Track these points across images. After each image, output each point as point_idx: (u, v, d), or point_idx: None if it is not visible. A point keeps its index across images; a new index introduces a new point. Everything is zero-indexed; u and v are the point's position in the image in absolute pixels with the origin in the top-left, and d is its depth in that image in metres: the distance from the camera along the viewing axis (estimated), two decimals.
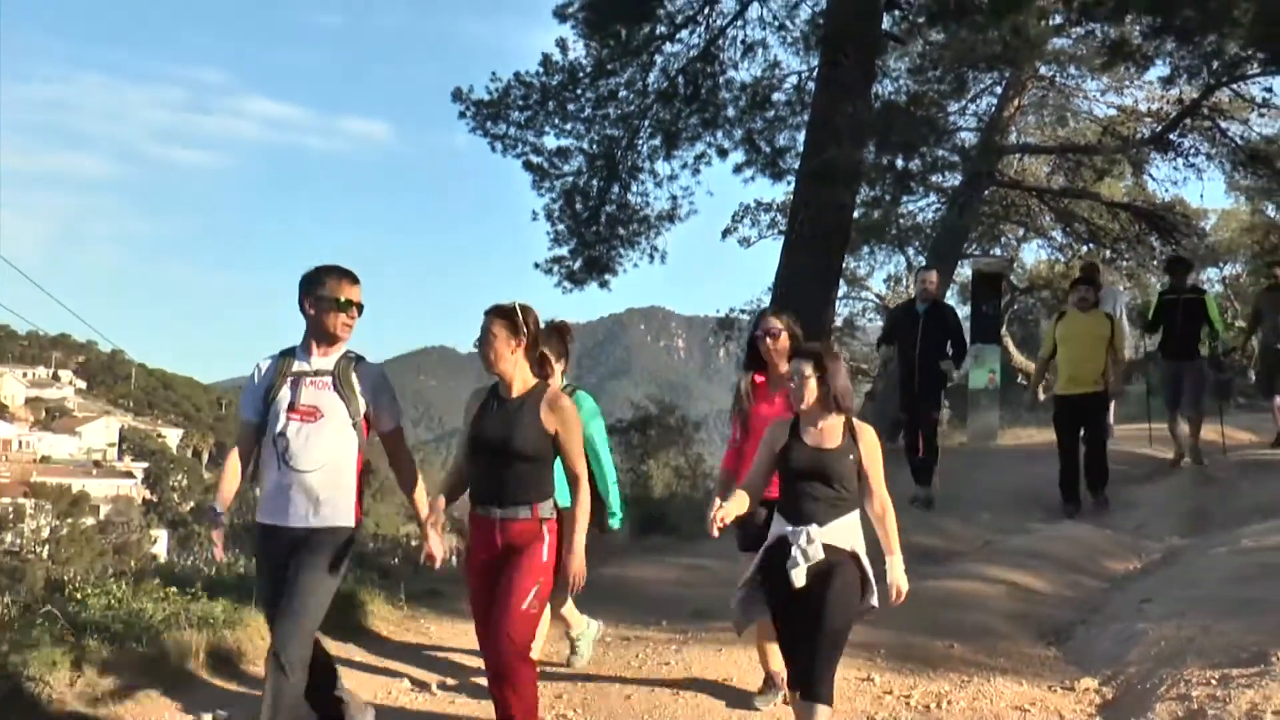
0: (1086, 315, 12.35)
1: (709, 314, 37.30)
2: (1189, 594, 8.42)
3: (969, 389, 20.13)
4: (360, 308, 5.67)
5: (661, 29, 19.32)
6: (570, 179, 20.09)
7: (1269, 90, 19.05)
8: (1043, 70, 21.29)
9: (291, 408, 5.51)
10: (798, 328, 6.54)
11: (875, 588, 5.39)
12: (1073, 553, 10.48)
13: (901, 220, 26.51)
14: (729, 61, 19.84)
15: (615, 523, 6.91)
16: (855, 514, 5.45)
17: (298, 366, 5.62)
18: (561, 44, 19.23)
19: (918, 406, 12.61)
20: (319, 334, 5.63)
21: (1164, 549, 10.70)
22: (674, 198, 20.41)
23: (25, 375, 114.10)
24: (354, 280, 5.67)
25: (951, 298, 27.17)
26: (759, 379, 6.57)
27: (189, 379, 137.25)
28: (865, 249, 29.29)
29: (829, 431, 5.49)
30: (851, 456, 5.45)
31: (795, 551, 5.30)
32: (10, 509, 60.52)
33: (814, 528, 5.31)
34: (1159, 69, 17.93)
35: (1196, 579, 8.85)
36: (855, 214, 19.09)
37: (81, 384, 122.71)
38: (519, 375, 5.50)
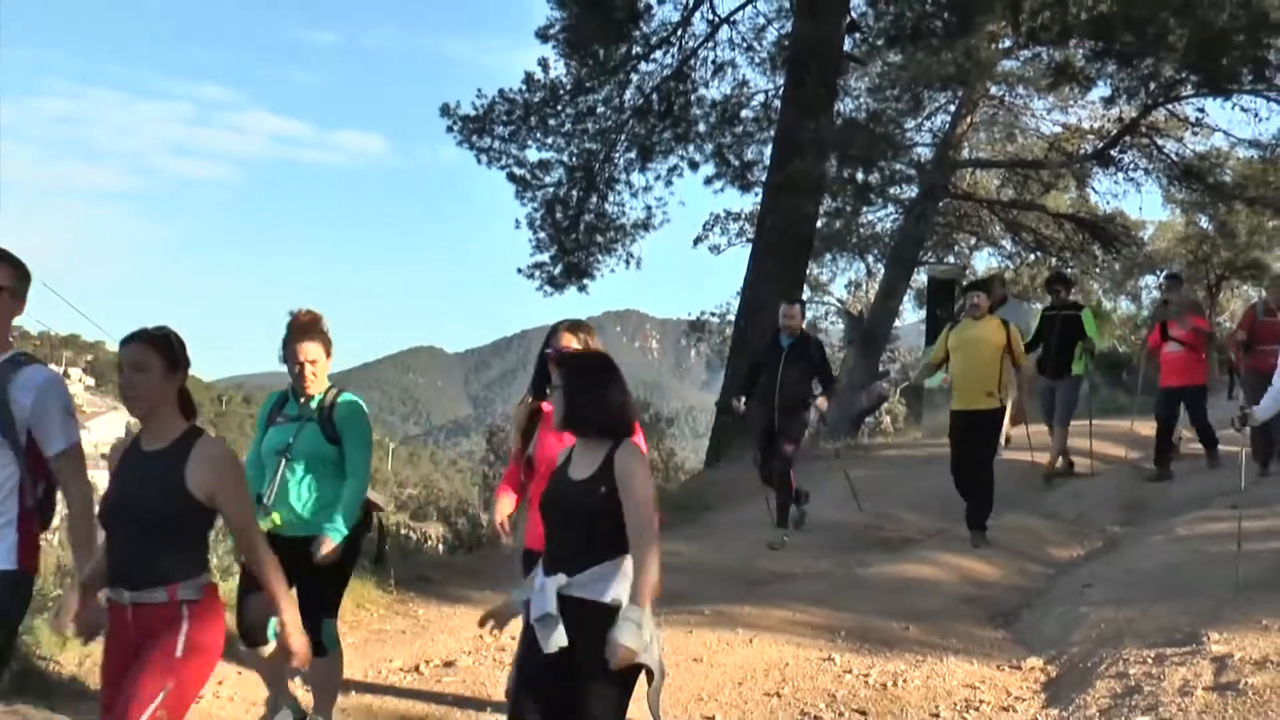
0: (979, 323, 10.73)
1: (681, 316, 37.35)
2: (1127, 579, 8.47)
3: (925, 389, 20.21)
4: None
5: (637, 49, 19.37)
6: (551, 189, 20.11)
7: (1201, 111, 19.19)
8: (993, 90, 21.32)
9: None
10: (595, 341, 5.41)
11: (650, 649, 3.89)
12: (1020, 541, 10.53)
13: (861, 229, 26.51)
14: (700, 80, 19.93)
15: (336, 537, 5.24)
16: (620, 560, 4.00)
17: None
18: (543, 63, 19.26)
19: (774, 443, 10.64)
20: None
21: (1104, 537, 10.74)
22: (648, 207, 20.48)
23: None
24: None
25: (908, 302, 27.27)
26: (546, 407, 5.26)
27: (192, 377, 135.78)
28: (828, 256, 29.30)
29: (591, 458, 4.12)
30: (604, 488, 4.01)
31: (534, 608, 4.03)
32: None
33: (558, 578, 3.96)
34: (1101, 90, 18.07)
35: (1134, 565, 8.89)
36: (818, 223, 19.20)
37: (90, 381, 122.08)
38: (168, 419, 4.03)
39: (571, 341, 5.30)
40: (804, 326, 11.36)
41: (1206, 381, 12.89)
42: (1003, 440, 11.82)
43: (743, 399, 10.98)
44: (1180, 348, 12.47)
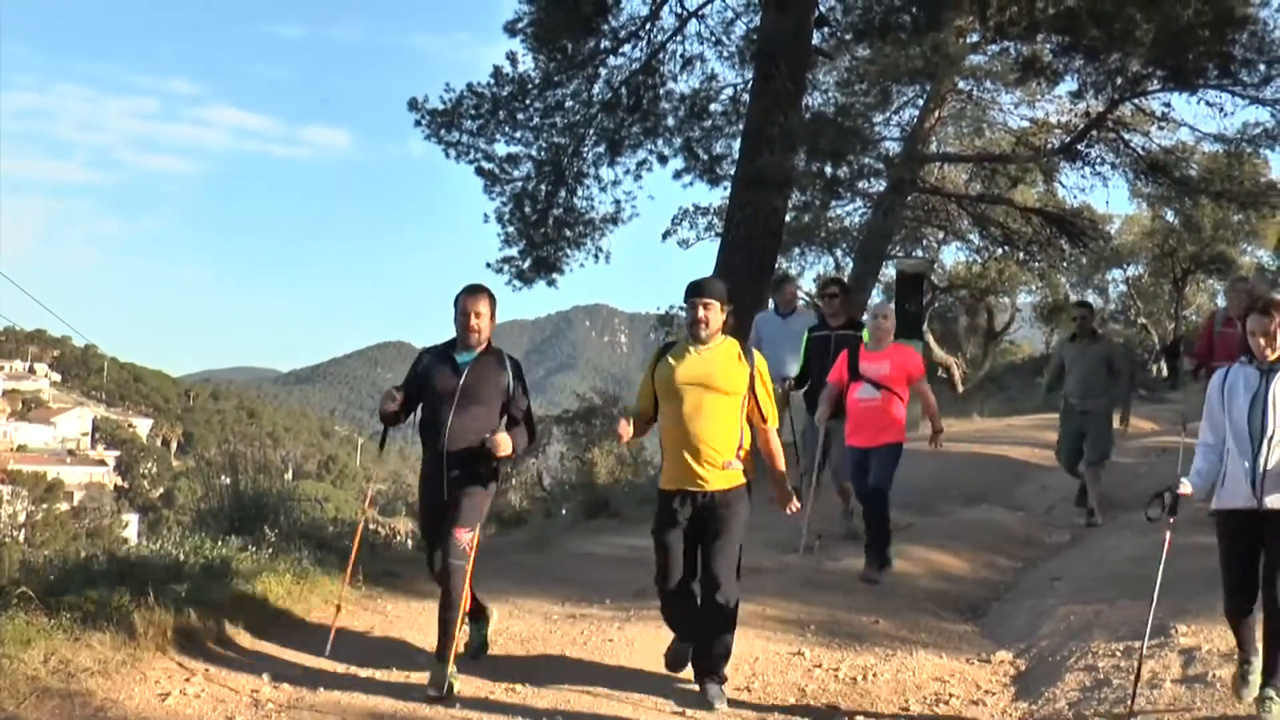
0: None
1: (650, 311, 37.39)
2: (1095, 572, 8.52)
3: None
4: None
5: (605, 43, 19.31)
6: (520, 184, 20.04)
7: (1168, 105, 19.25)
8: (961, 84, 21.34)
9: None
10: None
11: None
12: (988, 535, 10.58)
13: (830, 223, 26.67)
14: (669, 74, 19.87)
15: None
16: None
17: None
18: (512, 57, 19.19)
19: None
20: None
21: (1072, 531, 10.80)
22: (617, 202, 20.41)
23: (2, 369, 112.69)
24: None
25: (877, 296, 27.35)
26: None
27: (159, 372, 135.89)
28: (796, 250, 29.49)
29: None
30: None
31: None
32: None
33: None
34: (1068, 84, 18.09)
35: (1102, 558, 8.95)
36: (787, 217, 19.18)
37: (56, 377, 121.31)
38: None
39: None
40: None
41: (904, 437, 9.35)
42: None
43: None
44: (876, 394, 9.00)
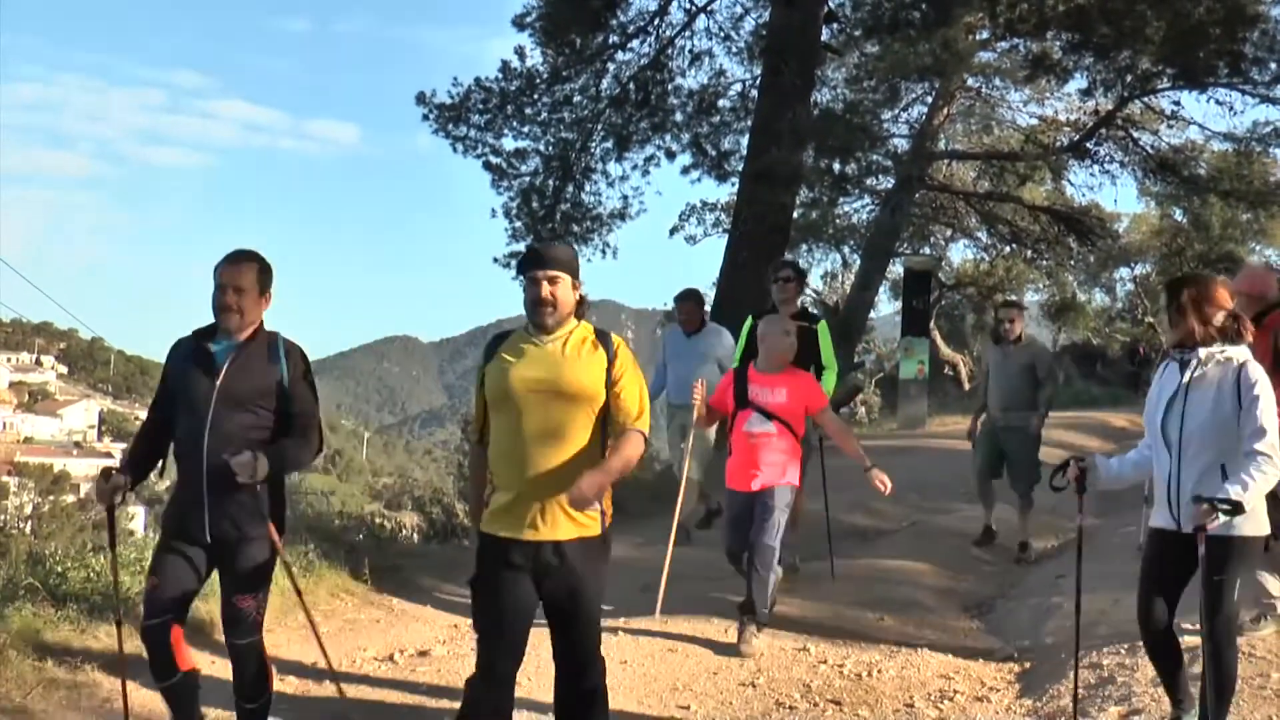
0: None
1: (657, 307, 37.41)
2: (1100, 570, 8.50)
3: (899, 379, 20.29)
4: None
5: (614, 38, 19.35)
6: (527, 179, 20.09)
7: (1177, 104, 19.30)
8: (970, 82, 21.38)
9: None
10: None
11: None
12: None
13: (838, 220, 26.66)
14: (677, 69, 19.94)
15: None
16: None
17: None
18: (520, 51, 19.26)
19: None
20: None
21: (1077, 528, 10.79)
22: (625, 197, 20.49)
23: (9, 361, 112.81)
24: None
25: (884, 293, 27.40)
26: None
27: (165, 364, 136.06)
28: (804, 247, 29.45)
29: None
30: None
31: None
32: None
33: None
34: (1078, 82, 18.18)
35: (1107, 556, 8.93)
36: (795, 214, 19.21)
37: (63, 369, 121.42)
38: None
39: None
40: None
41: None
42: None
43: None
44: (769, 426, 7.17)
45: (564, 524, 4.36)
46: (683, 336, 10.16)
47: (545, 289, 4.39)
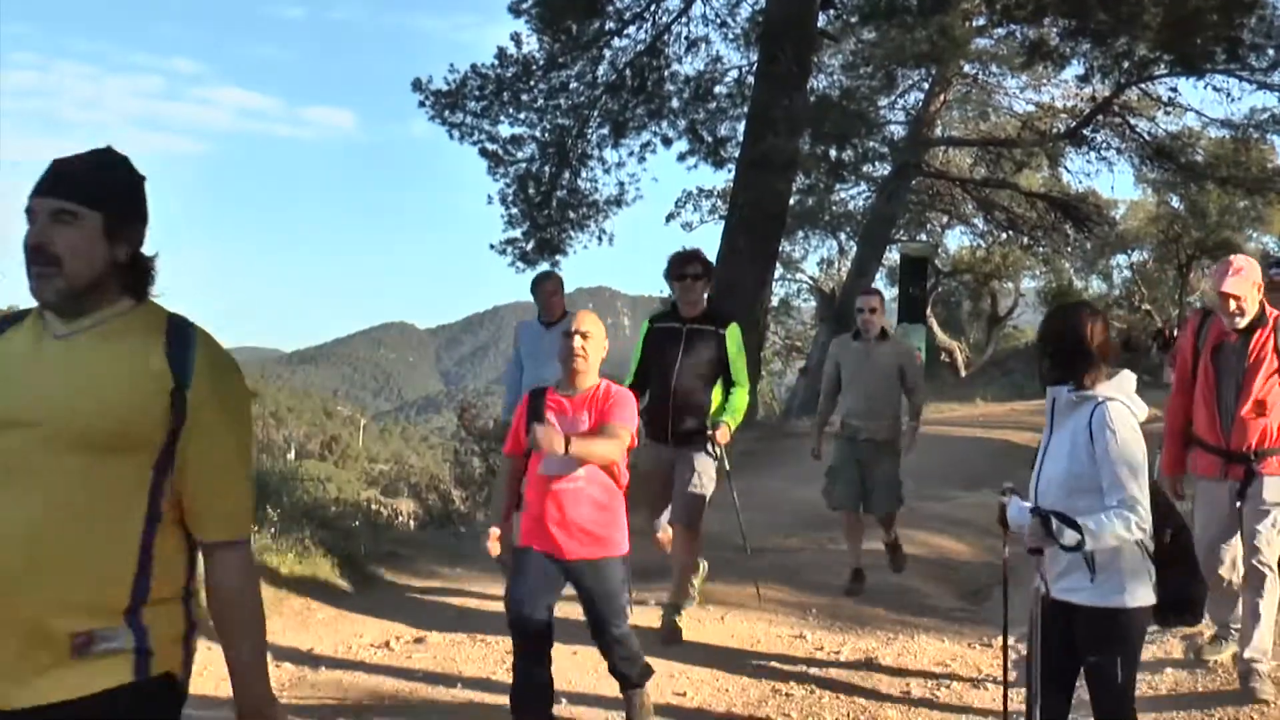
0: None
1: (652, 294, 37.40)
2: None
3: None
4: None
5: (610, 25, 19.29)
6: (524, 165, 20.05)
7: (1174, 90, 19.29)
8: (966, 68, 21.36)
9: None
10: None
11: None
12: (989, 519, 10.56)
13: (834, 207, 26.62)
14: (674, 56, 19.87)
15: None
16: None
17: None
18: (516, 38, 19.19)
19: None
20: None
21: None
22: (621, 184, 20.44)
23: None
24: None
25: (881, 280, 27.37)
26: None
27: None
28: (800, 234, 29.47)
29: None
30: None
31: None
32: None
33: None
34: (1074, 68, 18.12)
35: None
36: (791, 200, 19.16)
37: None
38: None
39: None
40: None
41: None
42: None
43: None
44: (576, 469, 5.11)
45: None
46: (540, 328, 8.10)
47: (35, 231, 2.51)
